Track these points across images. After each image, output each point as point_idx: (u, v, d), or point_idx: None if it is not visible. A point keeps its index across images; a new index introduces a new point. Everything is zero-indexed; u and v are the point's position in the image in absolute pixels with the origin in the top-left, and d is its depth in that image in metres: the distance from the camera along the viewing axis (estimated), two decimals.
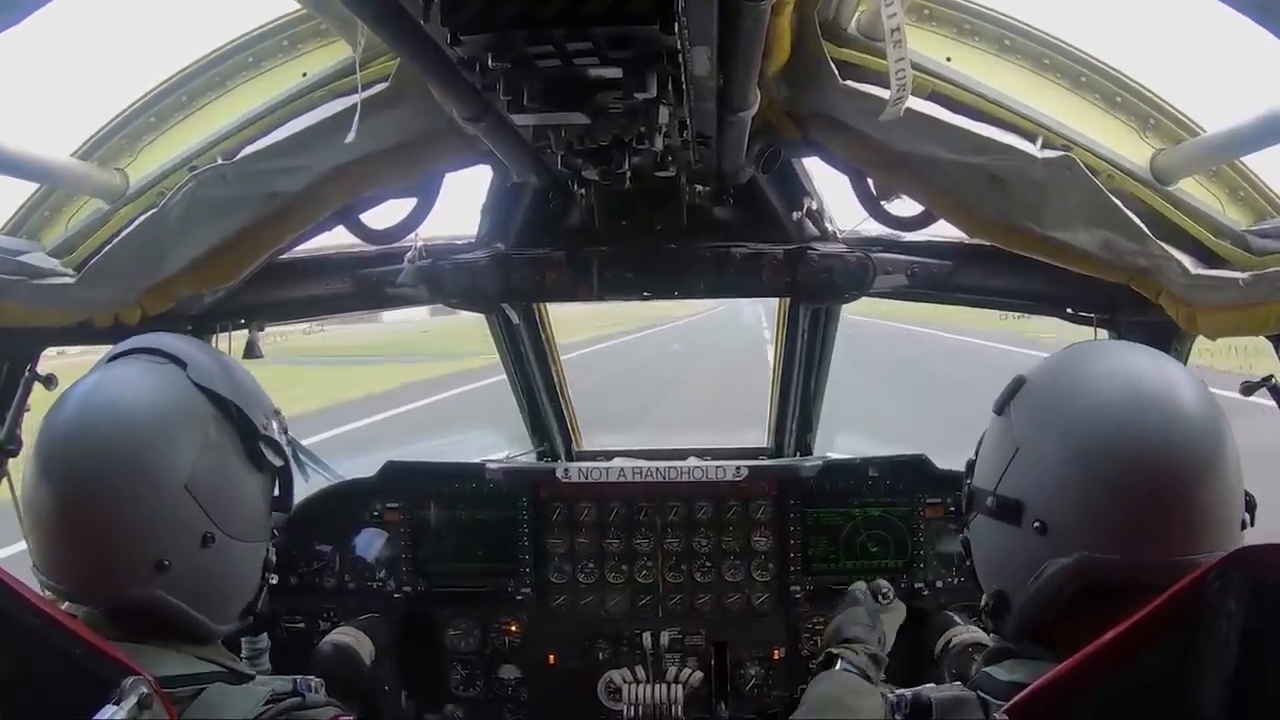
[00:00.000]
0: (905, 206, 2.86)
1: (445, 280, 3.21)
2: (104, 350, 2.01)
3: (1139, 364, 1.74)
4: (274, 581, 2.08)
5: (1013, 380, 1.85)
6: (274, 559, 2.05)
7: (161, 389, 1.83)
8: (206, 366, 1.90)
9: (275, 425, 2.01)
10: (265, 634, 3.43)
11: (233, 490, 1.88)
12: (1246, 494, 1.69)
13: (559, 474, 3.88)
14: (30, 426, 2.75)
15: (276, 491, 2.03)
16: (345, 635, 3.42)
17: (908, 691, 1.76)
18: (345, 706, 1.90)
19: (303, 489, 3.86)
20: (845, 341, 4.09)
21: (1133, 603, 1.47)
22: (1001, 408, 1.85)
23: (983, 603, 1.86)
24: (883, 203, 2.88)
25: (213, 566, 1.84)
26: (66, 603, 1.84)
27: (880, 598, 3.12)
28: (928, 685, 1.79)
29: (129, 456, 1.74)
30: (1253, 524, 1.69)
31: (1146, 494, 1.59)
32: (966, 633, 3.29)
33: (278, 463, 1.98)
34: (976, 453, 1.93)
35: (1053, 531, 1.66)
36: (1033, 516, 1.68)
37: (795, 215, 3.17)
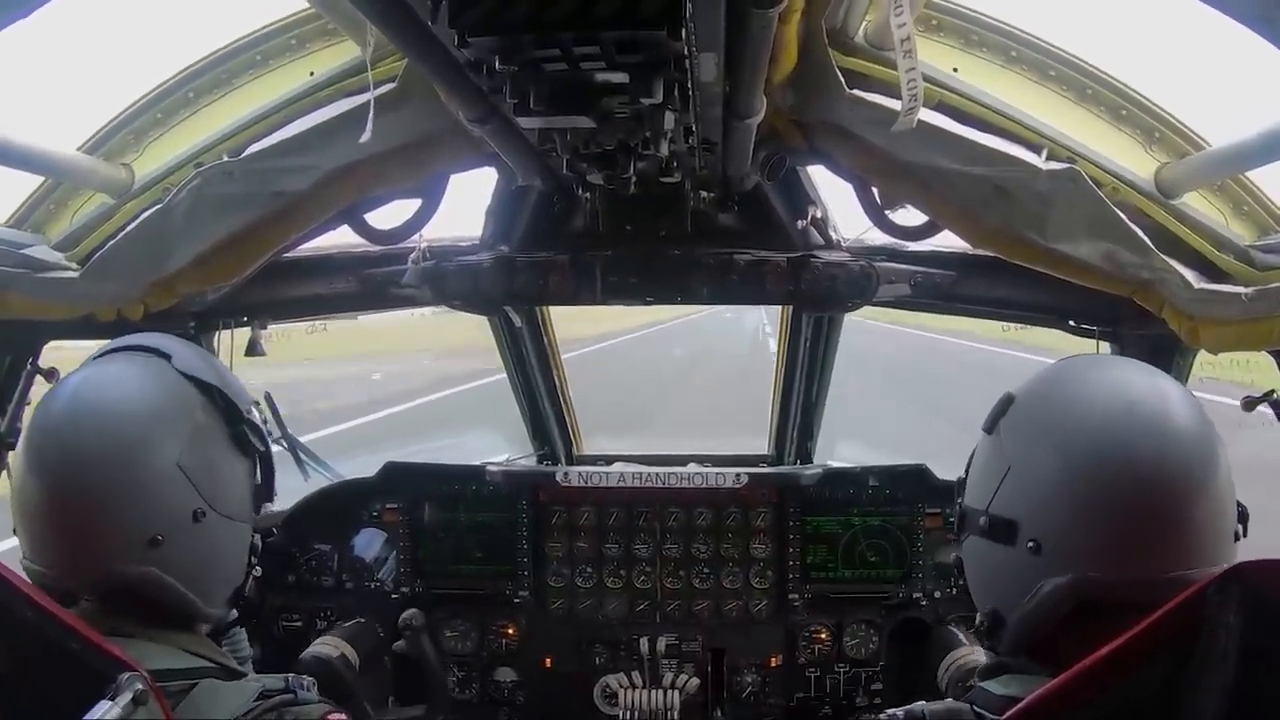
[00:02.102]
0: (909, 216, 2.86)
1: (448, 282, 3.21)
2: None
3: (1129, 379, 1.73)
4: (259, 572, 2.11)
5: (1002, 398, 1.84)
6: (259, 545, 2.09)
7: (149, 379, 1.89)
8: (190, 358, 1.96)
9: (256, 413, 2.08)
10: (247, 641, 3.41)
11: (221, 471, 1.93)
12: (1239, 505, 1.69)
13: (559, 477, 3.88)
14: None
15: (258, 479, 2.07)
16: (327, 646, 3.41)
17: (900, 711, 1.76)
18: (336, 705, 1.91)
19: (302, 488, 3.89)
20: (844, 342, 4.09)
21: (1129, 619, 1.46)
22: (991, 426, 1.84)
23: (977, 621, 1.86)
24: (887, 212, 2.88)
25: (203, 543, 1.88)
26: (56, 599, 1.86)
27: None
28: (920, 702, 1.78)
29: (121, 440, 1.79)
30: (1245, 535, 1.69)
31: (1141, 512, 1.59)
32: (970, 656, 3.27)
33: (260, 448, 2.05)
34: (967, 471, 1.92)
35: (1047, 551, 1.65)
36: (1026, 536, 1.68)
37: (799, 223, 3.17)
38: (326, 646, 3.40)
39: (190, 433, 1.86)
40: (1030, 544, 1.67)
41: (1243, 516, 1.69)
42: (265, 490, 2.09)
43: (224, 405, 1.95)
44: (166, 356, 1.92)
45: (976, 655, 3.21)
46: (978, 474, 1.86)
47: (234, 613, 2.06)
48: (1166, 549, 1.59)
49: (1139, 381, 1.72)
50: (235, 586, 2.02)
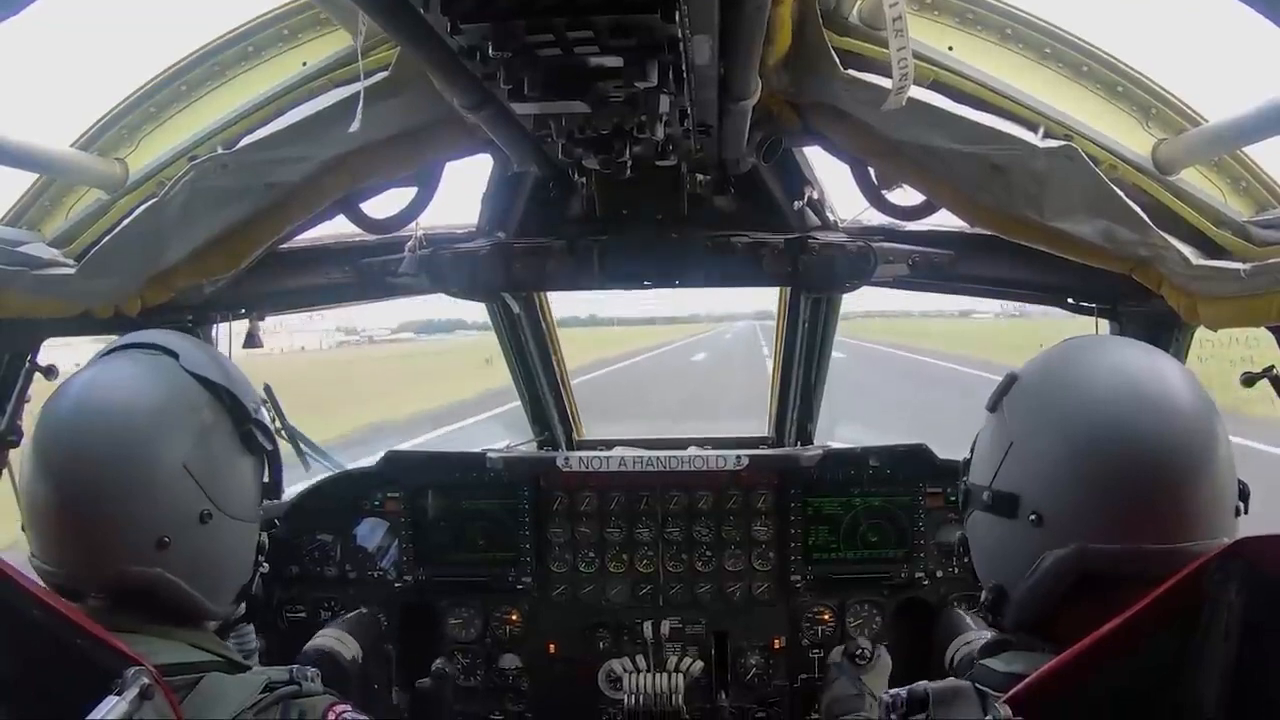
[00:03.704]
0: (906, 196, 2.86)
1: (446, 270, 3.21)
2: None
3: (1130, 357, 1.75)
4: (266, 569, 2.11)
5: (1005, 377, 1.86)
6: (266, 543, 2.09)
7: (156, 378, 1.88)
8: (197, 356, 1.95)
9: (264, 412, 2.07)
10: (254, 635, 3.42)
11: (228, 471, 1.92)
12: (1240, 482, 1.69)
13: (560, 463, 3.89)
14: (31, 417, 2.76)
15: (266, 477, 2.07)
16: (328, 639, 3.42)
17: (902, 690, 1.77)
18: (341, 696, 1.92)
19: (304, 478, 3.89)
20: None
21: (1131, 592, 1.47)
22: (995, 404, 1.85)
23: (982, 598, 1.87)
24: (884, 192, 2.88)
25: (210, 544, 1.87)
26: (64, 596, 1.86)
27: (858, 660, 3.19)
28: (923, 681, 1.79)
29: (128, 440, 1.78)
30: (1246, 511, 1.70)
31: (1141, 483, 1.60)
32: (978, 639, 3.28)
33: (268, 446, 2.03)
34: (972, 451, 1.94)
35: (1048, 522, 1.67)
36: (1028, 508, 1.69)
37: (796, 204, 3.17)
38: (328, 639, 3.42)
39: (197, 433, 1.85)
40: (1032, 516, 1.68)
41: (1243, 494, 1.70)
42: (273, 488, 2.08)
43: (231, 405, 1.93)
44: (174, 355, 1.91)
45: (984, 636, 3.23)
46: (982, 452, 1.88)
47: (242, 608, 2.06)
48: (1167, 521, 1.60)
49: (1140, 360, 1.74)
50: (242, 585, 2.01)
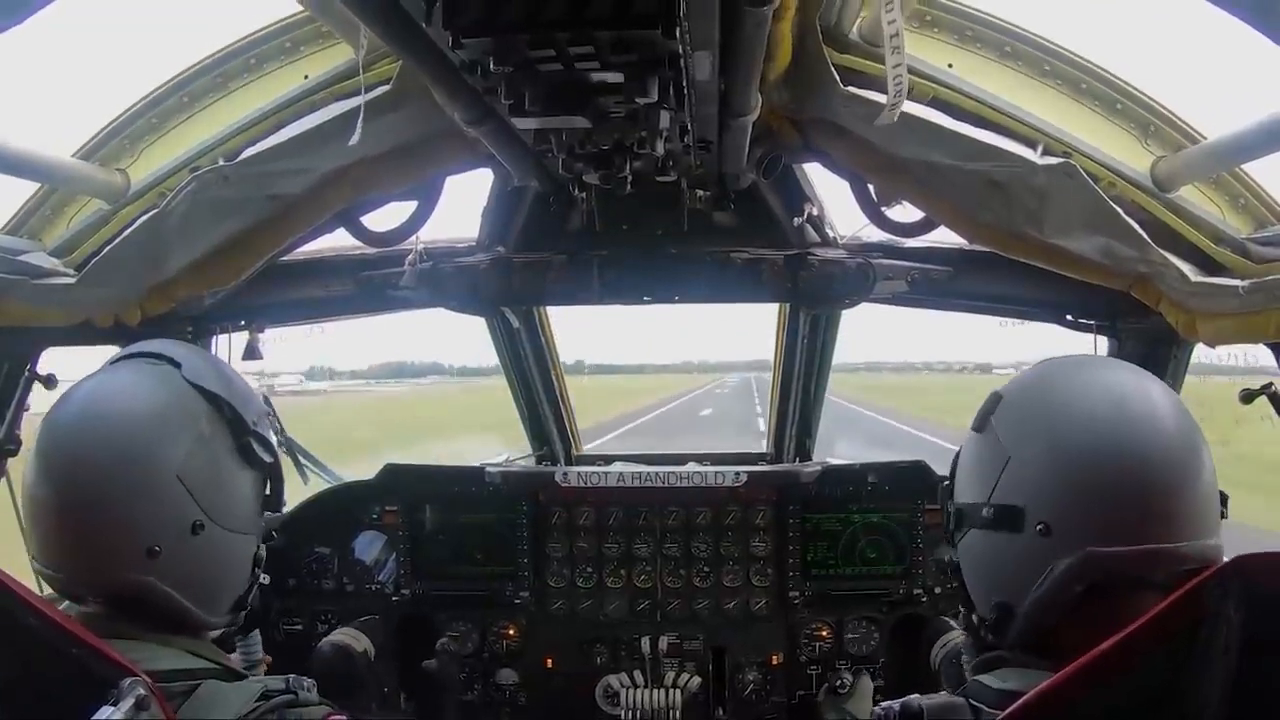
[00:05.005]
0: (906, 212, 2.86)
1: (446, 283, 3.21)
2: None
3: (1117, 375, 1.80)
4: (265, 581, 2.10)
5: (989, 397, 1.87)
6: (264, 555, 2.08)
7: (156, 387, 1.89)
8: (200, 367, 1.96)
9: (267, 425, 2.06)
10: (260, 646, 3.41)
11: (223, 482, 1.92)
12: (1220, 491, 1.74)
13: (558, 478, 3.88)
14: (30, 426, 2.76)
15: (268, 491, 2.06)
16: (344, 635, 3.47)
17: (895, 703, 1.76)
18: (338, 706, 1.91)
19: (302, 491, 3.89)
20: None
21: (1131, 600, 1.48)
22: (982, 424, 1.86)
23: (977, 620, 1.85)
24: (883, 209, 2.88)
25: (202, 555, 1.87)
26: (65, 599, 1.89)
27: (838, 691, 3.26)
28: (916, 695, 1.79)
29: (124, 447, 1.79)
30: (1226, 517, 1.74)
31: (1140, 487, 1.63)
32: (956, 637, 3.28)
33: (268, 459, 2.02)
34: (952, 477, 1.93)
35: (1056, 532, 1.67)
36: (1035, 520, 1.69)
37: (796, 221, 3.17)
38: (345, 637, 3.46)
39: (193, 444, 1.85)
40: (1039, 526, 1.69)
41: (1223, 499, 1.75)
42: (274, 501, 2.08)
43: (230, 416, 1.93)
44: (177, 365, 1.92)
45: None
46: (971, 471, 1.87)
47: (240, 618, 2.05)
48: (1166, 520, 1.63)
49: (1125, 378, 1.79)
50: (238, 595, 2.01)
